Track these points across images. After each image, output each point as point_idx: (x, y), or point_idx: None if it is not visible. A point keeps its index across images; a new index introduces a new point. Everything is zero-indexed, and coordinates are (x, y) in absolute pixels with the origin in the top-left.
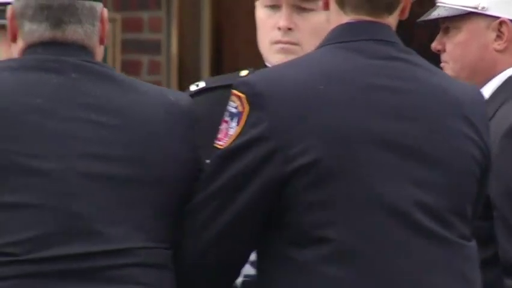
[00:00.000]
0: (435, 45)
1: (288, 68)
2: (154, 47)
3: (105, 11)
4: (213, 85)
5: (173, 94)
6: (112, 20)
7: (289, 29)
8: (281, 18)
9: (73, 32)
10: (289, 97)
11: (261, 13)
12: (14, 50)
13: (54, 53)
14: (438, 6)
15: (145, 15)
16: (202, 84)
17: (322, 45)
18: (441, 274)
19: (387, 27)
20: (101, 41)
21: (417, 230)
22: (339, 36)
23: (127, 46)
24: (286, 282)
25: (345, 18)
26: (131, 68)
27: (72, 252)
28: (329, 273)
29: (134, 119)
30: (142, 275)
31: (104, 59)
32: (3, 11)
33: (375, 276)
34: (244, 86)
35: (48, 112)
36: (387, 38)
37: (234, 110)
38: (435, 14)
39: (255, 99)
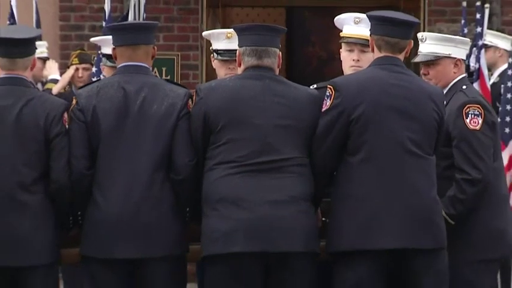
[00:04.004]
0: (423, 71)
1: (353, 75)
2: (195, 67)
3: (280, 53)
4: (320, 86)
5: (310, 89)
6: (175, 55)
7: (358, 60)
8: (354, 56)
9: (267, 62)
10: (350, 87)
11: (345, 53)
12: (239, 71)
13: (257, 71)
14: (426, 54)
15: (191, 52)
16: (314, 86)
17: (369, 66)
18: (419, 174)
19: (399, 59)
20: (278, 66)
21: (408, 152)
22: (377, 62)
23: (183, 67)
24: (343, 174)
25: (380, 54)
26: (184, 77)
27: (266, 160)
28: (363, 168)
29: (294, 100)
30: (297, 169)
31: (173, 72)
32: (225, 53)
33: (386, 173)
34: (331, 82)
35: (257, 99)
36: (398, 64)
37: (327, 94)
38: (422, 58)
39: (336, 87)
